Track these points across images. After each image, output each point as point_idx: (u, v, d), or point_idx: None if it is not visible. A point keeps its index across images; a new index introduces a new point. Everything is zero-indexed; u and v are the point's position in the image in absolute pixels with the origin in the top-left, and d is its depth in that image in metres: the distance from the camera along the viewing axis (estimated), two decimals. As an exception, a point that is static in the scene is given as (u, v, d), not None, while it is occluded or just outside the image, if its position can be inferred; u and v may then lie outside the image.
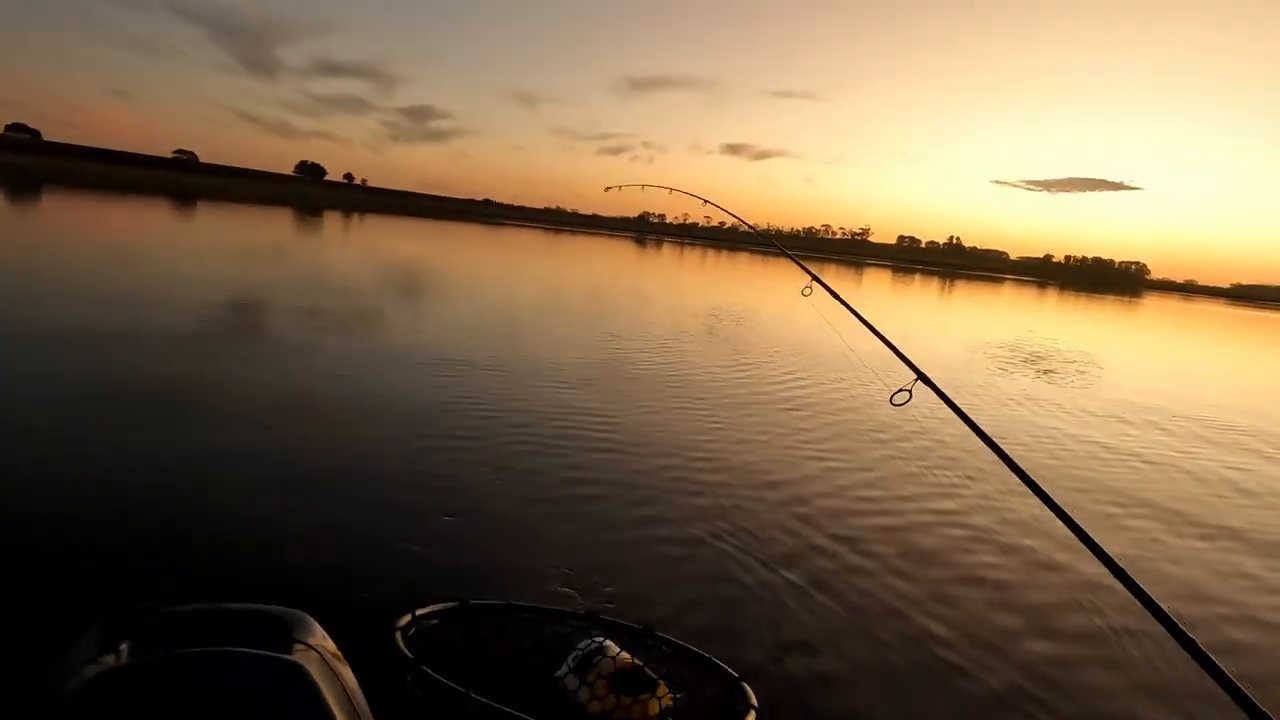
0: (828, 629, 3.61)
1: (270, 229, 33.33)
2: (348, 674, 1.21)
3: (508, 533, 4.21)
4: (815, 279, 2.96)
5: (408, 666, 1.09)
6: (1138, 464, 7.63)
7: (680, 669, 2.26)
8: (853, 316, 2.77)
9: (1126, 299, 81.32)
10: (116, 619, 1.18)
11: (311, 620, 1.29)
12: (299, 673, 1.09)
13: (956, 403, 2.04)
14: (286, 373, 7.47)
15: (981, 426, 1.93)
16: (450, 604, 1.22)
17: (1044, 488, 1.64)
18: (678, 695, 1.43)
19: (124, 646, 1.12)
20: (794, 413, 8.10)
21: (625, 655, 1.93)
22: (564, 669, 2.34)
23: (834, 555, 4.47)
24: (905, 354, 2.36)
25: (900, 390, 2.16)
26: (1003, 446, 1.77)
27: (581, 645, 2.17)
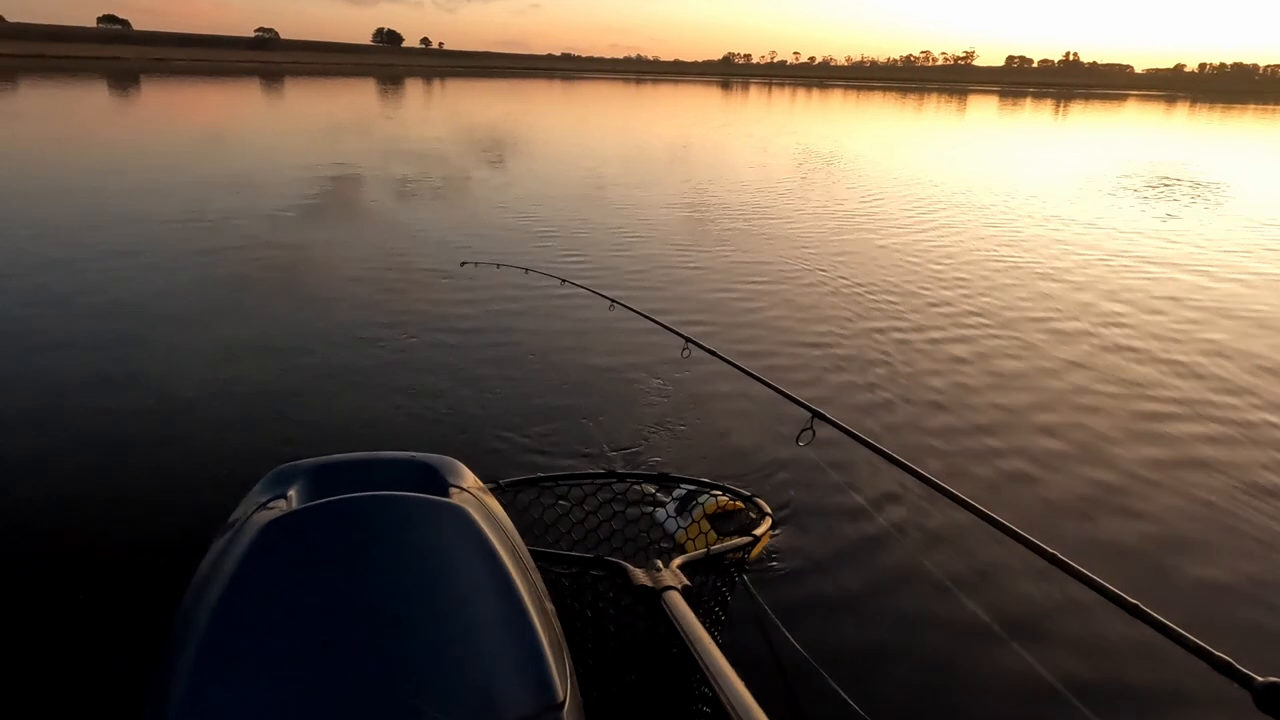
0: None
1: (361, 102, 33.85)
2: (501, 513, 1.28)
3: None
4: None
5: None
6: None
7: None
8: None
9: (1269, 108, 72.60)
10: (283, 471, 1.27)
11: (462, 465, 1.36)
12: (460, 514, 1.14)
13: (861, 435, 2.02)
14: (382, 245, 8.01)
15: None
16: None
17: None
18: (775, 531, 1.57)
19: (292, 493, 1.20)
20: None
21: (722, 497, 2.20)
22: (663, 515, 2.54)
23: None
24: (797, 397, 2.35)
25: (804, 430, 2.14)
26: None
27: (675, 494, 2.44)
